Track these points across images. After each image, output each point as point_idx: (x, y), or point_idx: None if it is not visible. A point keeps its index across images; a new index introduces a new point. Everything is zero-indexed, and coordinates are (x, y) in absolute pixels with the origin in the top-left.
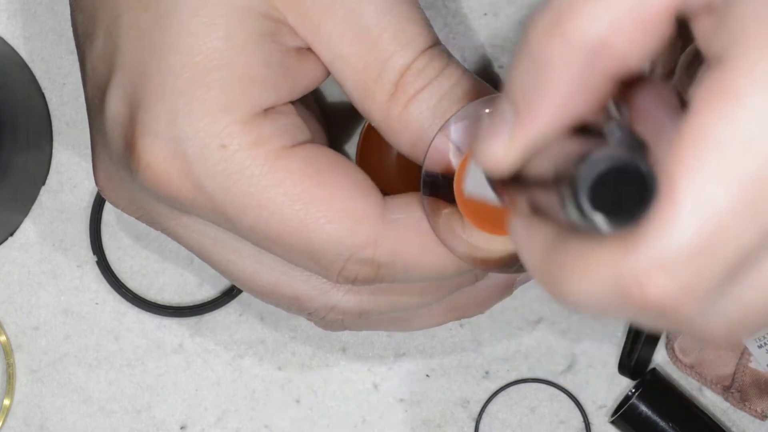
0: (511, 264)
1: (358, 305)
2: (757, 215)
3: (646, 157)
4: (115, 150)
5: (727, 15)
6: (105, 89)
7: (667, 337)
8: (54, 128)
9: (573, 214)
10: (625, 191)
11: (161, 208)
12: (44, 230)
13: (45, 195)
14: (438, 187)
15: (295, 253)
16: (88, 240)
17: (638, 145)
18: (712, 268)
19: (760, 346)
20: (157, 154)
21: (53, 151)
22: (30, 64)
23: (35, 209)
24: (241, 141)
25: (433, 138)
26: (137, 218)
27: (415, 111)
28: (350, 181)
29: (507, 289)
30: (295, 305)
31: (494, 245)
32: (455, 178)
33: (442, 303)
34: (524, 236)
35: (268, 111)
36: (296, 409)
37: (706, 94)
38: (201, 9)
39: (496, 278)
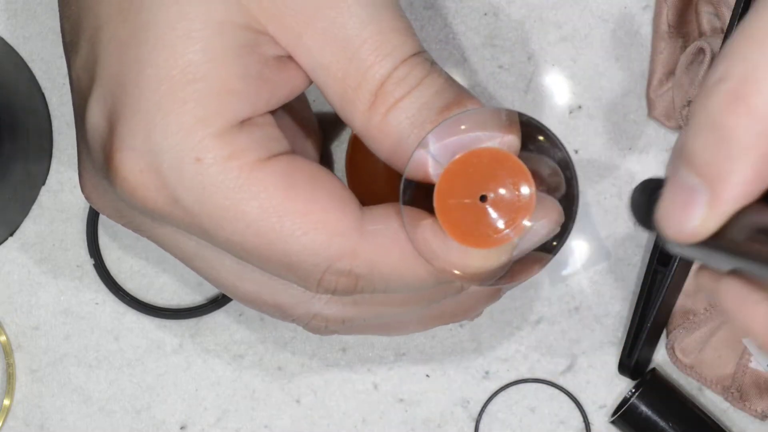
0: (490, 277)
1: (340, 313)
2: None
3: None
4: (96, 160)
5: None
6: (87, 99)
7: (667, 337)
8: (54, 128)
9: None
10: None
11: (143, 218)
12: (44, 230)
13: (45, 195)
14: (419, 198)
15: (273, 264)
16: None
17: None
18: None
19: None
20: (133, 168)
21: (53, 151)
22: (30, 64)
23: (35, 209)
24: (216, 154)
25: (414, 150)
26: (122, 225)
27: (394, 120)
28: (327, 193)
29: (494, 295)
30: (277, 312)
31: (473, 258)
32: (436, 189)
33: (428, 310)
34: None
35: (244, 123)
36: (296, 409)
37: None
38: (178, 22)
39: None
